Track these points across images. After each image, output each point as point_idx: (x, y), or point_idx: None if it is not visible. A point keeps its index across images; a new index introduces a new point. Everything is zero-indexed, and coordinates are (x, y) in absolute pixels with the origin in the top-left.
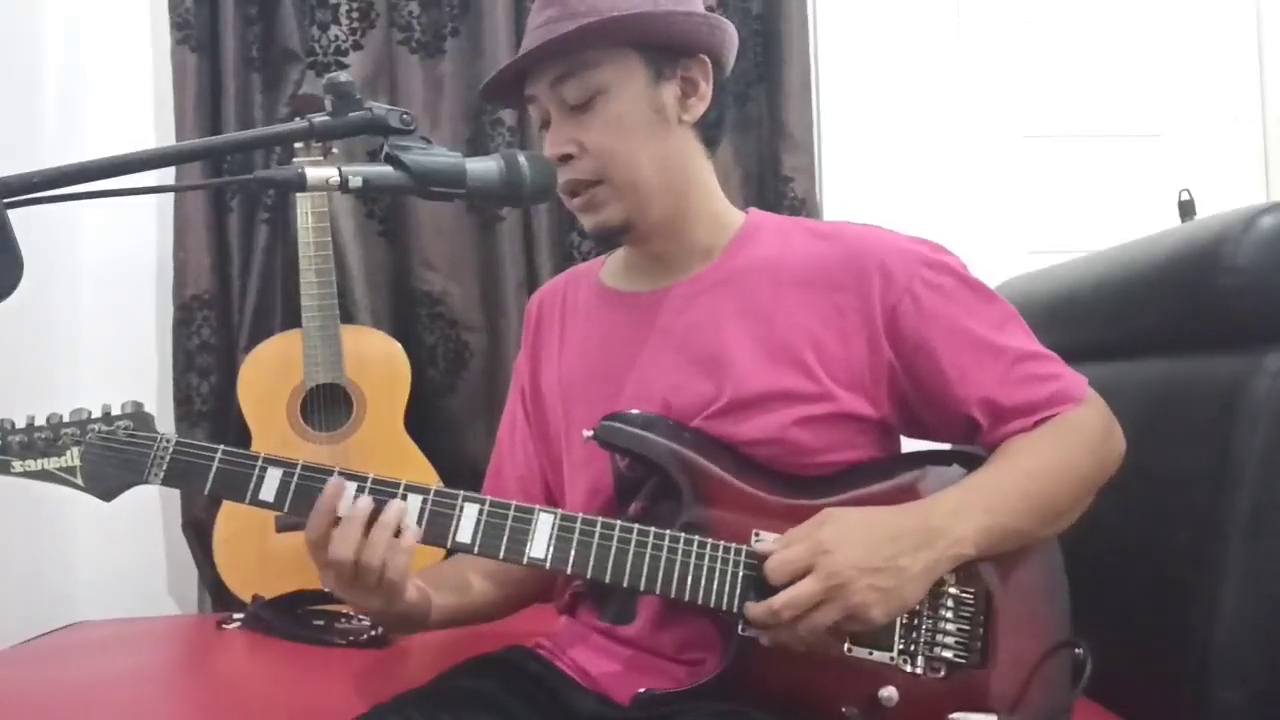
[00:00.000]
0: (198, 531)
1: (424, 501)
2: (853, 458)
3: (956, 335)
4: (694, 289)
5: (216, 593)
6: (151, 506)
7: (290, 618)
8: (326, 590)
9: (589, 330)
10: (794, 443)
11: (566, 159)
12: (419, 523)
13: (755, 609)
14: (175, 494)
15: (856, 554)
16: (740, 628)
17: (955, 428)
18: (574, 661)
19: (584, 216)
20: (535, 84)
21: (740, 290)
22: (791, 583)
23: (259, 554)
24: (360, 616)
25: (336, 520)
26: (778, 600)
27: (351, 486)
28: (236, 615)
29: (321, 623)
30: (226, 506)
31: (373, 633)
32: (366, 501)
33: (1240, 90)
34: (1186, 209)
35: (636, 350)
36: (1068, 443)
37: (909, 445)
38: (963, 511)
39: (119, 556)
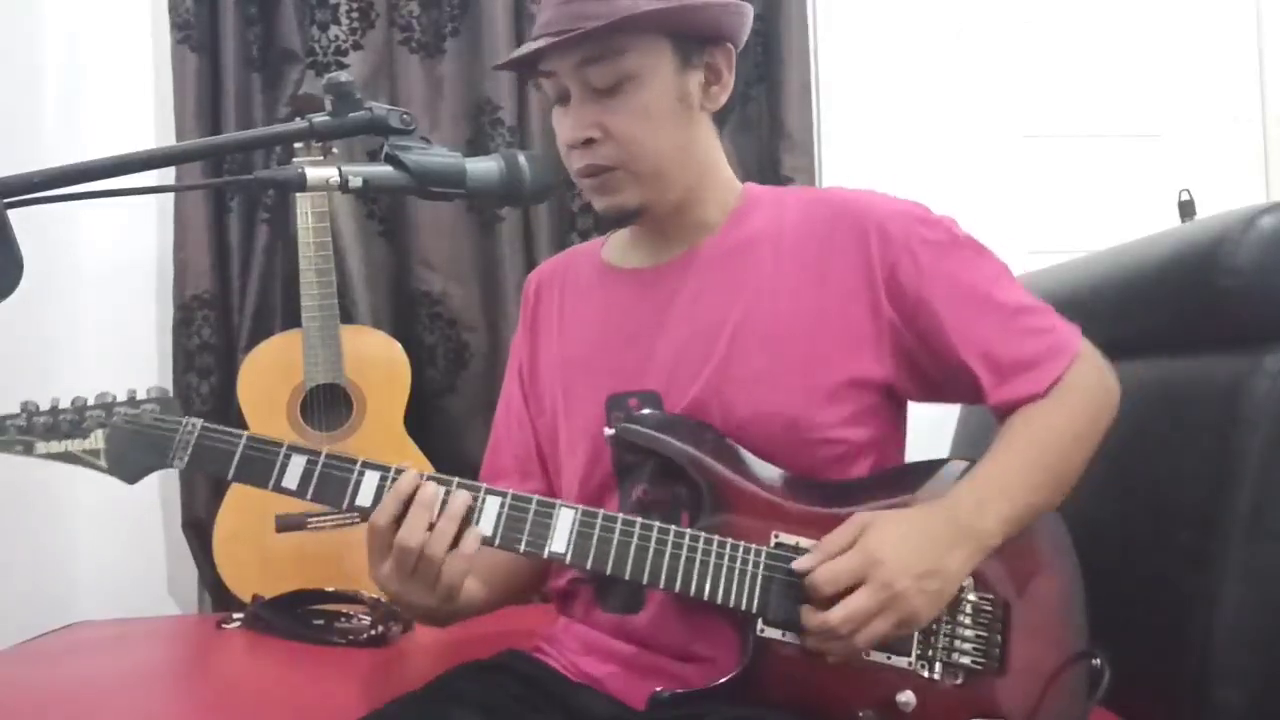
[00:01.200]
0: (198, 531)
1: (446, 493)
2: (854, 435)
3: (955, 290)
4: (697, 263)
5: (216, 593)
6: (152, 506)
7: (290, 617)
8: (377, 586)
9: (591, 307)
10: (797, 417)
11: (588, 142)
12: (440, 514)
13: (811, 619)
14: (176, 493)
15: (906, 561)
16: (759, 628)
17: (958, 382)
18: (575, 665)
19: (597, 198)
20: (558, 61)
21: (742, 261)
22: (839, 595)
23: (259, 554)
24: (360, 616)
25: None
26: (835, 615)
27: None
28: (236, 615)
29: (321, 623)
30: (227, 506)
31: (372, 632)
32: (436, 492)
33: (1240, 90)
34: (1186, 209)
35: (640, 326)
36: (1068, 405)
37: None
38: (984, 504)
39: (119, 556)
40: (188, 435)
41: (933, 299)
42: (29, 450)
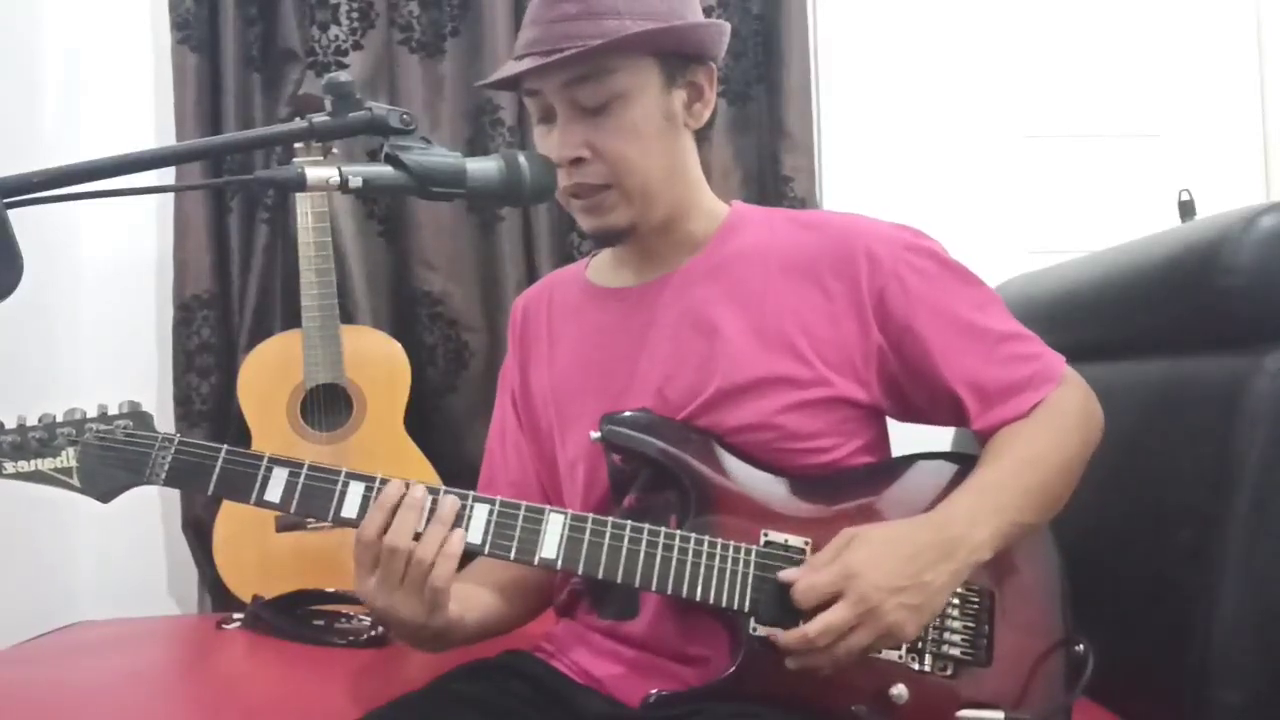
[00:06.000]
0: (198, 531)
1: (433, 501)
2: (841, 445)
3: (942, 317)
4: (684, 279)
5: (216, 593)
6: (151, 506)
7: (290, 618)
8: (363, 602)
9: (580, 328)
10: (785, 428)
11: (577, 161)
12: (427, 522)
13: (788, 636)
14: (175, 494)
15: (884, 575)
16: (751, 627)
17: (944, 408)
18: (576, 664)
19: (587, 219)
20: (543, 80)
21: (730, 278)
22: (821, 607)
23: (259, 554)
24: (360, 616)
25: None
26: (812, 628)
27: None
28: (236, 615)
29: (321, 623)
30: (227, 506)
31: (372, 633)
32: (423, 496)
33: (1240, 90)
34: (1186, 209)
35: (630, 343)
36: (1056, 428)
37: (895, 437)
38: (977, 517)
39: (119, 556)
40: (163, 451)
41: (920, 326)
42: None
